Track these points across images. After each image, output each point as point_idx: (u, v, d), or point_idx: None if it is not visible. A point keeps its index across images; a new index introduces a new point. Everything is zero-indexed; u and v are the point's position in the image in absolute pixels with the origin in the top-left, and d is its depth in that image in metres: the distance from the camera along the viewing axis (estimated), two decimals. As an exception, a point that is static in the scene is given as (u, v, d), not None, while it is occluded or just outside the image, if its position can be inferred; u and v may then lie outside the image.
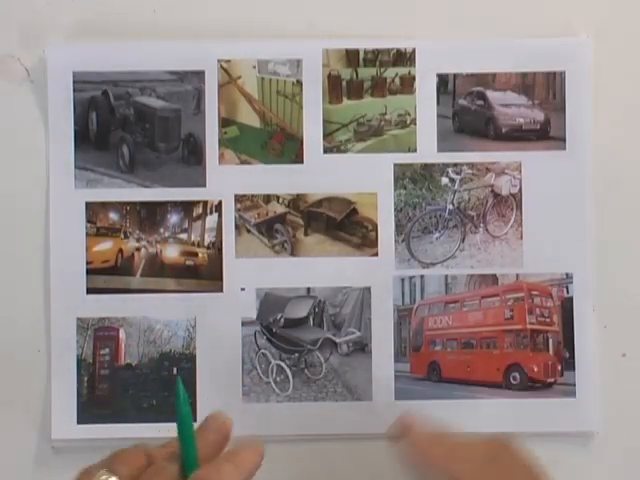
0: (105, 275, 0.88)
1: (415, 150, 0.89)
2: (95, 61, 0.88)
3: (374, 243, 0.89)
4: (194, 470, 0.52)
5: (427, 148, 0.89)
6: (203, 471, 0.51)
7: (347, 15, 0.89)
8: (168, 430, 0.87)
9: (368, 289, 0.88)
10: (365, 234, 0.89)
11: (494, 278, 0.89)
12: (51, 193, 0.88)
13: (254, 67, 0.89)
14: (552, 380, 0.89)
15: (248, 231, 0.89)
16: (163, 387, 0.88)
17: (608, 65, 0.89)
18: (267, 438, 0.87)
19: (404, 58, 0.89)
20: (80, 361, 0.88)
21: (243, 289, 0.88)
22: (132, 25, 0.89)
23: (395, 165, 0.89)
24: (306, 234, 0.89)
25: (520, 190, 0.89)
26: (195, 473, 0.51)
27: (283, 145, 0.89)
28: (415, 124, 0.89)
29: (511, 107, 0.90)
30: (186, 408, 0.55)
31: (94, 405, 0.87)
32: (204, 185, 0.89)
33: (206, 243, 0.89)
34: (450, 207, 0.90)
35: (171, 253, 0.89)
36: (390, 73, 0.89)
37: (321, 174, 0.89)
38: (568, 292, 0.89)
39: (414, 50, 0.89)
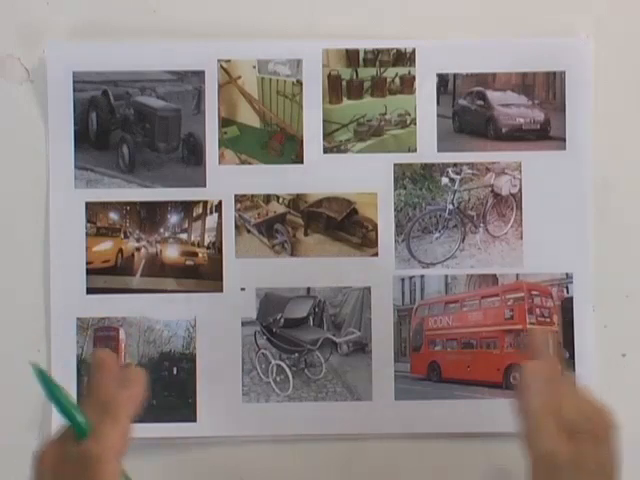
0: (105, 275, 0.88)
1: (415, 150, 0.89)
2: (95, 61, 0.88)
3: (374, 243, 0.89)
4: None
5: (427, 148, 0.89)
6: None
7: (347, 15, 0.89)
8: (168, 430, 0.88)
9: (368, 289, 0.88)
10: (365, 234, 0.89)
11: (494, 278, 0.89)
12: (51, 193, 0.88)
13: (254, 67, 0.89)
14: (552, 380, 0.89)
15: (248, 231, 0.89)
16: (163, 387, 0.88)
17: (608, 65, 0.89)
18: (267, 438, 0.88)
19: (404, 58, 0.89)
20: (80, 361, 0.88)
21: (243, 289, 0.88)
22: (132, 25, 0.89)
23: (395, 165, 0.89)
24: (306, 234, 0.89)
25: (520, 190, 0.89)
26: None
27: (283, 145, 0.89)
28: (415, 124, 0.89)
29: (511, 107, 0.90)
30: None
31: (94, 405, 0.87)
32: (204, 185, 0.89)
33: (206, 243, 0.89)
34: (450, 207, 0.90)
35: (171, 253, 0.89)
36: (390, 73, 0.89)
37: (321, 174, 0.89)
38: (568, 292, 0.89)
39: (414, 50, 0.89)
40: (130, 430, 0.58)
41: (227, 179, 0.89)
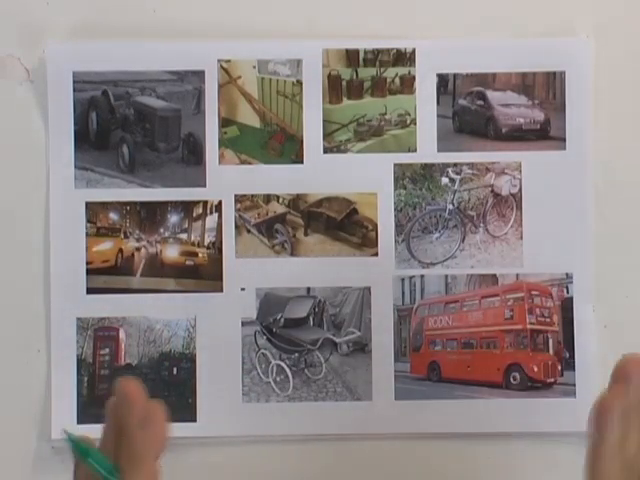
0: (105, 275, 0.88)
1: (415, 150, 0.89)
2: (95, 61, 0.88)
3: (374, 243, 0.89)
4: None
5: (427, 148, 0.89)
6: None
7: (347, 15, 0.89)
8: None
9: (368, 289, 0.88)
10: (365, 234, 0.89)
11: (494, 278, 0.89)
12: (51, 193, 0.88)
13: (254, 67, 0.89)
14: (552, 380, 0.89)
15: (248, 231, 0.89)
16: (163, 387, 0.88)
17: (608, 65, 0.89)
18: (267, 438, 0.88)
19: (404, 58, 0.89)
20: (80, 361, 0.88)
21: (243, 289, 0.88)
22: (132, 25, 0.89)
23: (395, 165, 0.89)
24: (306, 234, 0.89)
25: (520, 190, 0.89)
26: None
27: (283, 145, 0.89)
28: (415, 124, 0.89)
29: (511, 107, 0.90)
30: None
31: (94, 405, 0.87)
32: (204, 185, 0.89)
33: (206, 243, 0.89)
34: (450, 207, 0.90)
35: (171, 253, 0.89)
36: (390, 73, 0.89)
37: (321, 174, 0.89)
38: (568, 292, 0.89)
39: (414, 50, 0.89)
40: (158, 470, 0.56)
41: (227, 179, 0.89)
